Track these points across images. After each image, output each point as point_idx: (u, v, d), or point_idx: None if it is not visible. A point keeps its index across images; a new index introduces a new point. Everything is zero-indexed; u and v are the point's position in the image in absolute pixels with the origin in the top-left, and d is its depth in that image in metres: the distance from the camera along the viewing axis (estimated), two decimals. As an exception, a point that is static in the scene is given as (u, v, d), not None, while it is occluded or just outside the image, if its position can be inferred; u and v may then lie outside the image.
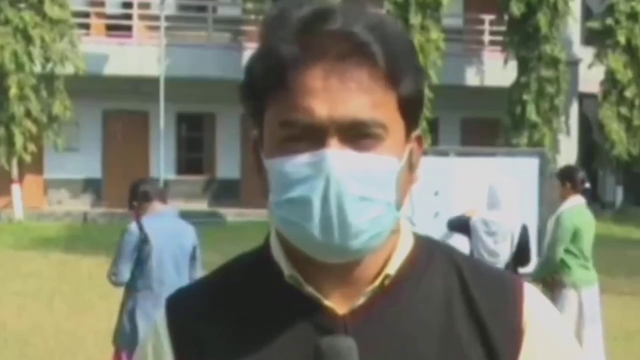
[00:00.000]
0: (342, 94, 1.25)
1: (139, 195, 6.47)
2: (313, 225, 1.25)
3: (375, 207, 1.27)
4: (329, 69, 1.26)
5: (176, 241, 6.47)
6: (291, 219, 1.27)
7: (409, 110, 1.32)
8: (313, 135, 1.26)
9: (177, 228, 6.57)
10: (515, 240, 7.27)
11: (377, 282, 1.32)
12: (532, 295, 1.39)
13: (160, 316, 1.39)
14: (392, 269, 1.33)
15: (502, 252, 7.23)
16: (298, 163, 1.26)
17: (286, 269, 1.34)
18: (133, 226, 6.35)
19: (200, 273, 6.75)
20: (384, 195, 1.28)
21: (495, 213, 7.24)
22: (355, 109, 1.25)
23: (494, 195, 7.27)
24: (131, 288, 6.32)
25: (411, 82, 1.31)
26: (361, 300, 1.32)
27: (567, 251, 7.54)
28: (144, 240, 6.29)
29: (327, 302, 1.31)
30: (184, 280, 6.50)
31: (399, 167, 1.30)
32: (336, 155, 1.24)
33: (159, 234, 6.32)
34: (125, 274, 6.27)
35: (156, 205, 6.45)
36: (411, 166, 1.36)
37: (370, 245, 1.28)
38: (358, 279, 1.32)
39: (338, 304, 1.32)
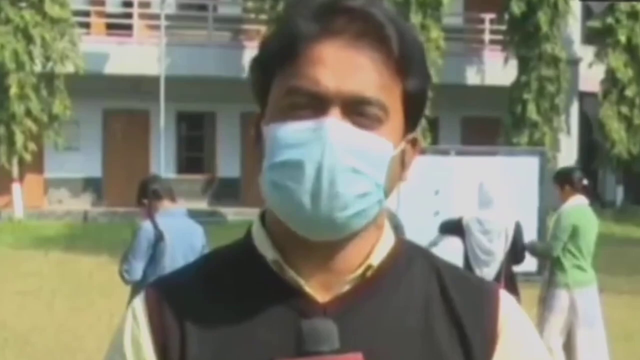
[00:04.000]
0: (351, 68, 1.27)
1: (150, 193, 6.46)
2: (303, 190, 1.26)
3: (366, 182, 1.28)
4: (344, 44, 1.28)
5: (187, 240, 6.47)
6: (282, 182, 1.28)
7: (411, 107, 1.34)
8: (317, 105, 1.27)
9: (188, 227, 6.58)
10: (510, 238, 7.27)
11: (359, 271, 1.33)
12: (508, 302, 1.40)
13: (138, 302, 1.39)
14: (374, 260, 1.34)
15: (496, 250, 7.24)
16: (297, 128, 1.27)
17: (269, 254, 1.34)
18: (147, 223, 6.34)
19: None
20: (375, 174, 1.29)
21: (488, 211, 7.24)
22: (362, 85, 1.27)
23: (485, 194, 7.27)
24: (141, 286, 6.31)
25: (419, 81, 1.33)
26: (342, 289, 1.33)
27: (564, 250, 7.52)
28: (159, 237, 6.29)
29: (308, 289, 1.32)
30: None
31: (393, 153, 1.31)
32: (336, 125, 1.26)
33: (172, 232, 6.32)
34: (139, 271, 6.25)
35: (166, 204, 6.46)
36: (403, 164, 1.37)
37: (354, 223, 1.29)
38: (340, 267, 1.33)
39: (319, 292, 1.32)
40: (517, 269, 7.46)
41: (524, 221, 7.51)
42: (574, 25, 28.17)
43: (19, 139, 23.18)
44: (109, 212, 24.49)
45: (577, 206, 7.59)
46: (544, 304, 7.65)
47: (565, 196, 7.64)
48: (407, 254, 1.41)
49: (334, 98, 1.27)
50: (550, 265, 7.65)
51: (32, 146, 23.51)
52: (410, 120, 1.36)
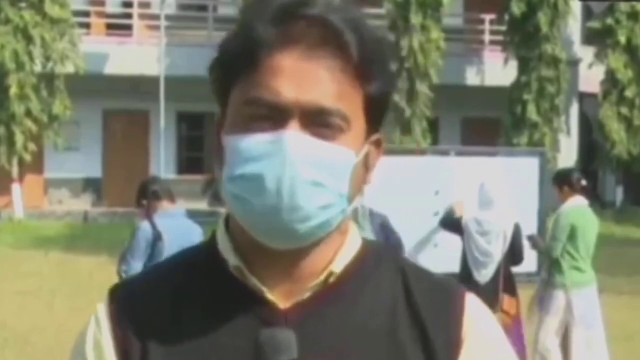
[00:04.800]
0: (311, 79, 1.25)
1: (149, 194, 6.49)
2: (263, 203, 1.25)
3: (327, 194, 1.27)
4: (302, 53, 1.26)
5: (186, 240, 6.46)
6: (242, 195, 1.27)
7: (373, 111, 1.32)
8: (276, 116, 1.25)
9: (187, 227, 6.59)
10: (508, 239, 7.27)
11: (321, 278, 1.32)
12: (474, 306, 1.38)
13: (102, 306, 1.38)
14: (337, 267, 1.33)
15: (494, 252, 7.24)
16: (256, 140, 1.25)
17: (231, 259, 1.33)
18: (145, 224, 6.36)
19: None
20: (337, 185, 1.28)
21: (488, 212, 7.24)
22: (322, 96, 1.25)
23: (485, 195, 7.27)
24: None
25: (380, 84, 1.31)
26: (304, 296, 1.31)
27: (562, 251, 7.52)
28: (157, 237, 6.30)
29: (270, 296, 1.31)
30: None
31: (355, 162, 1.30)
32: (295, 137, 1.24)
33: (170, 233, 6.34)
34: (137, 270, 6.26)
35: (165, 205, 6.48)
36: (367, 166, 1.37)
37: (317, 233, 1.29)
38: (303, 274, 1.32)
39: (281, 298, 1.31)
40: (517, 269, 7.45)
41: (524, 222, 7.51)
42: (574, 26, 28.16)
43: (19, 139, 23.18)
44: (109, 212, 24.49)
45: (576, 207, 7.59)
46: (541, 304, 7.66)
47: (564, 197, 7.64)
48: (373, 257, 1.39)
49: (294, 109, 1.25)
50: (549, 266, 7.65)
51: (32, 146, 23.51)
52: (373, 123, 1.34)
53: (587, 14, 28.66)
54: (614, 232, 20.70)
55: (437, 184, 8.08)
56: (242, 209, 1.28)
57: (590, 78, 27.72)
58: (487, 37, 28.88)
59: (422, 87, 25.37)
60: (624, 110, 27.38)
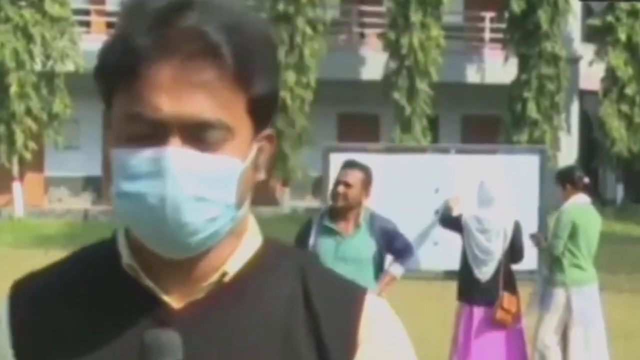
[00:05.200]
0: (188, 92, 1.23)
1: None
2: (149, 220, 1.24)
3: (213, 208, 1.25)
4: (178, 66, 1.24)
5: None
6: (129, 211, 1.26)
7: (259, 111, 1.30)
8: (157, 132, 1.24)
9: None
10: (508, 237, 7.26)
11: (213, 279, 1.30)
12: (374, 309, 1.35)
13: (4, 300, 1.37)
14: (231, 267, 1.31)
15: (495, 249, 7.23)
16: (138, 158, 1.24)
17: (125, 258, 1.32)
18: None
19: None
20: (222, 197, 1.26)
21: (488, 210, 7.24)
22: (200, 108, 1.23)
23: (486, 192, 7.27)
24: None
25: (264, 83, 1.29)
26: (198, 296, 1.30)
27: (564, 249, 7.51)
28: None
29: (164, 296, 1.30)
30: None
31: (242, 169, 1.28)
32: (176, 153, 1.23)
33: None
34: None
35: None
36: (257, 166, 1.34)
37: (207, 243, 1.27)
38: (196, 274, 1.30)
39: (176, 299, 1.30)
40: (518, 266, 7.45)
41: (525, 219, 7.51)
42: (574, 24, 28.15)
43: (19, 137, 23.20)
44: (110, 211, 24.49)
45: (577, 204, 7.58)
46: (541, 302, 7.65)
47: (567, 195, 7.64)
48: (274, 258, 1.37)
49: (173, 124, 1.23)
50: (550, 264, 7.65)
51: (32, 145, 23.52)
52: (262, 121, 1.32)
53: (587, 11, 28.66)
54: (615, 229, 20.69)
55: (438, 181, 8.08)
56: (131, 223, 1.28)
57: (591, 76, 27.71)
58: (487, 35, 28.88)
59: (422, 85, 25.37)
60: (625, 107, 27.38)
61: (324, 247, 5.76)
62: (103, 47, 1.30)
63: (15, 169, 23.87)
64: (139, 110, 1.24)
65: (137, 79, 1.24)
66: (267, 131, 1.35)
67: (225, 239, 1.30)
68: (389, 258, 6.25)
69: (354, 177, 5.77)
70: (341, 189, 5.69)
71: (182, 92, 1.23)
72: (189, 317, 1.29)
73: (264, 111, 1.31)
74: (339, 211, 5.91)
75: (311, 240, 5.84)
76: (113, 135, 1.31)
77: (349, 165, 5.95)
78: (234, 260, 1.33)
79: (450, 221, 7.50)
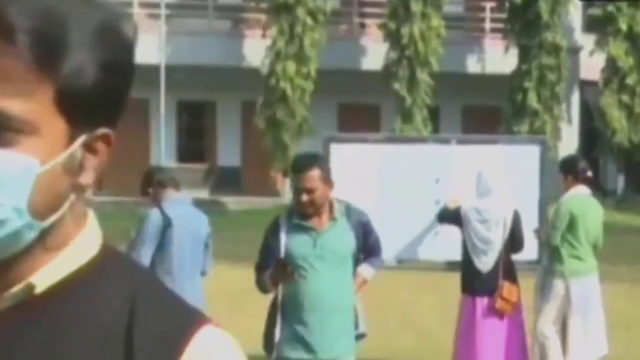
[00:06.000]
0: None
1: (155, 183, 6.51)
2: None
3: None
4: None
5: (193, 228, 6.49)
6: None
7: (75, 107, 1.15)
8: None
9: (193, 215, 6.60)
10: (508, 227, 7.26)
11: (15, 289, 1.18)
12: (201, 347, 1.17)
13: None
14: (40, 280, 1.18)
15: (494, 239, 7.24)
16: None
17: None
18: (154, 211, 6.36)
19: (211, 261, 6.77)
20: (8, 199, 1.12)
21: (487, 201, 7.24)
22: None
23: (484, 183, 7.27)
24: None
25: (82, 76, 1.15)
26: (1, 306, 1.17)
27: (562, 240, 7.51)
28: (167, 224, 6.30)
29: None
30: (198, 268, 6.52)
31: (38, 171, 1.13)
32: None
33: (178, 220, 6.34)
34: (147, 259, 6.23)
35: (171, 193, 6.48)
36: (78, 169, 1.18)
37: None
38: (3, 284, 1.18)
39: None
40: (518, 257, 7.45)
41: (525, 210, 7.50)
42: (574, 14, 28.12)
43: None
44: (110, 202, 24.50)
45: (576, 195, 7.57)
46: (541, 292, 7.66)
47: (568, 186, 7.63)
48: (103, 277, 1.21)
49: None
50: (549, 254, 7.65)
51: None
52: (82, 120, 1.16)
53: (588, 1, 28.61)
54: (615, 220, 20.68)
55: (438, 172, 8.07)
56: None
57: (591, 66, 27.69)
58: (487, 25, 28.85)
59: (422, 75, 25.36)
60: (625, 98, 27.36)
61: (300, 245, 5.20)
62: None
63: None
64: None
65: None
66: (102, 130, 1.19)
67: (33, 250, 1.18)
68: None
69: (312, 179, 5.10)
70: (304, 197, 5.10)
71: None
72: None
73: (83, 107, 1.16)
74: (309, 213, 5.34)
75: (282, 240, 5.22)
76: None
77: (302, 167, 5.17)
78: (46, 273, 1.19)
79: (448, 216, 7.50)
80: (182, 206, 6.49)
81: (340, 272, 5.26)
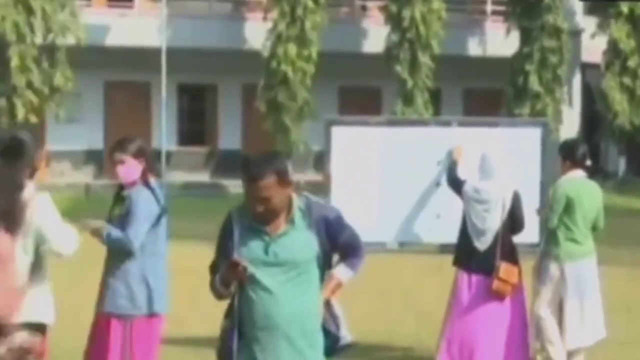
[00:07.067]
0: None
1: (151, 168, 6.55)
2: None
3: None
4: None
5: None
6: None
7: None
8: None
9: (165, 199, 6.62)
10: (507, 208, 7.27)
11: None
12: None
13: None
14: None
15: (493, 219, 7.26)
16: None
17: None
18: (147, 193, 6.37)
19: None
20: None
21: (488, 182, 7.26)
22: None
23: (488, 165, 7.29)
24: (134, 255, 6.21)
25: None
26: None
27: (559, 223, 7.50)
28: (163, 210, 6.32)
29: None
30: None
31: None
32: None
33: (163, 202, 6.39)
34: (143, 237, 6.21)
35: (153, 178, 6.53)
36: None
37: None
38: None
39: None
40: (519, 239, 7.45)
41: (526, 193, 7.51)
42: (576, -4, 28.07)
43: (20, 111, 23.14)
44: (111, 185, 24.49)
45: (572, 179, 7.54)
46: (537, 275, 7.65)
47: (565, 169, 7.61)
48: None
49: None
50: (546, 237, 7.64)
51: (33, 118, 23.48)
52: None
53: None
54: (616, 203, 20.69)
55: (439, 154, 8.07)
56: None
57: (593, 48, 27.64)
58: (489, 8, 28.78)
59: (424, 58, 25.31)
60: (627, 80, 27.32)
61: (250, 251, 4.41)
62: None
63: (17, 142, 23.82)
64: None
65: None
66: None
67: None
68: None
69: (267, 188, 4.32)
70: (259, 208, 4.34)
71: None
72: None
73: None
74: None
75: (235, 239, 4.46)
76: None
77: (255, 175, 4.37)
78: None
79: (456, 182, 7.55)
80: (158, 188, 6.53)
81: (300, 281, 4.42)
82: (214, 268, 4.57)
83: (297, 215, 4.47)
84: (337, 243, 4.58)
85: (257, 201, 4.35)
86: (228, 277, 4.38)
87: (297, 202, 4.51)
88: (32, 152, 5.02)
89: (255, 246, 4.42)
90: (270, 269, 4.40)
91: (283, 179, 4.39)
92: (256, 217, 4.40)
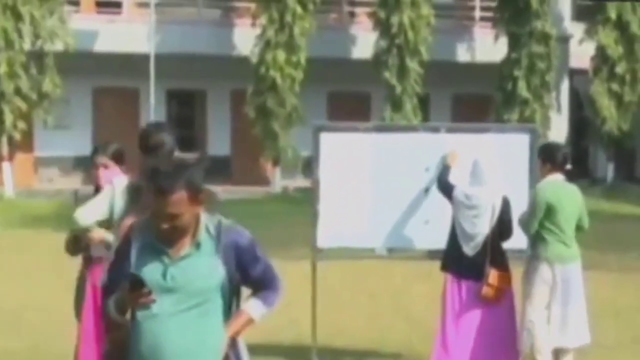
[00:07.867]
0: None
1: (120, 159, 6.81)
2: None
3: None
4: None
5: None
6: None
7: None
8: None
9: None
10: (496, 213, 7.28)
11: None
12: None
13: None
14: None
15: (482, 225, 7.26)
16: None
17: None
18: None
19: None
20: None
21: (478, 188, 7.27)
22: None
23: (479, 171, 7.29)
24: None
25: None
26: None
27: (545, 227, 7.47)
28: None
29: None
30: None
31: None
32: None
33: None
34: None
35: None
36: None
37: None
38: None
39: None
40: (507, 245, 7.46)
41: (515, 198, 7.51)
42: (564, 2, 28.15)
43: (8, 117, 23.11)
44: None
45: (552, 182, 7.49)
46: (527, 278, 7.60)
47: (544, 173, 7.56)
48: None
49: None
50: (533, 240, 7.60)
51: (21, 125, 23.44)
52: None
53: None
54: (604, 208, 20.75)
55: (428, 160, 8.08)
56: None
57: (581, 54, 27.71)
58: (477, 14, 28.84)
59: (412, 64, 25.34)
60: (615, 86, 27.40)
61: (148, 272, 3.84)
62: None
63: (5, 149, 23.79)
64: None
65: None
66: None
67: None
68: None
69: (178, 204, 3.77)
70: (165, 225, 3.80)
71: None
72: None
73: None
74: None
75: (132, 258, 3.92)
76: None
77: (165, 188, 3.78)
78: None
79: (446, 186, 7.54)
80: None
81: (200, 312, 3.86)
82: (105, 290, 4.04)
83: (203, 237, 3.91)
84: (249, 274, 4.02)
85: (163, 217, 3.79)
86: (127, 301, 3.82)
87: (207, 222, 3.95)
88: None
89: (153, 268, 3.86)
90: (166, 295, 3.83)
91: (195, 195, 3.83)
92: (160, 235, 3.85)
